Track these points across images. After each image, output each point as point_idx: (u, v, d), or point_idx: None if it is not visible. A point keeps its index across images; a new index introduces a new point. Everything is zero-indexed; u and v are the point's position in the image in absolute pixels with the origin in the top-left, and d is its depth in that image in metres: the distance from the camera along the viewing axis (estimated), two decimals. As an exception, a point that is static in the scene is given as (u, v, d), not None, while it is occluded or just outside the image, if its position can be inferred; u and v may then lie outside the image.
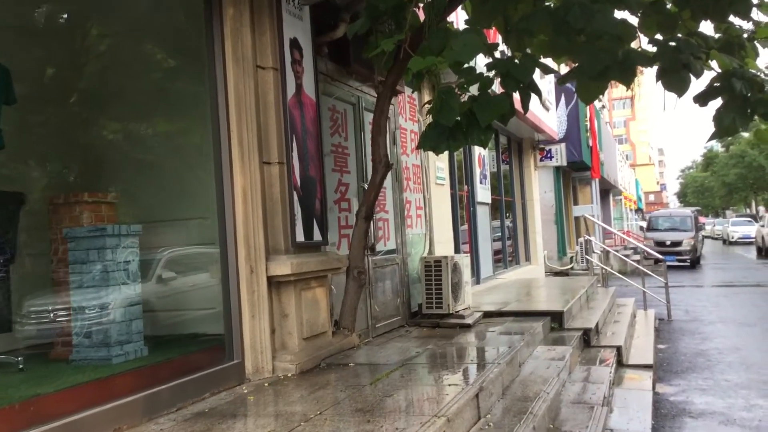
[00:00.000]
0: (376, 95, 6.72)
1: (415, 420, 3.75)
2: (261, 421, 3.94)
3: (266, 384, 4.97)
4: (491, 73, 5.23)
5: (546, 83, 16.96)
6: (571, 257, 21.10)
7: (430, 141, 5.31)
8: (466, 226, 12.37)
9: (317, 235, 5.89)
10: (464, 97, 5.29)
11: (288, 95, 5.59)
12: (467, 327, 7.93)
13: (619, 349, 8.07)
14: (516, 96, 5.31)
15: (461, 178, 12.20)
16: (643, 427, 5.75)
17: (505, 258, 14.97)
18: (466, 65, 5.10)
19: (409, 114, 9.05)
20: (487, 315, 8.62)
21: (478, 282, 12.23)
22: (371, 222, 6.44)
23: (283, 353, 5.37)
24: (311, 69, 6.02)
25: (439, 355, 5.89)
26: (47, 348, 4.90)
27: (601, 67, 4.73)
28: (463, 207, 12.22)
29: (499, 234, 14.98)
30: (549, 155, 18.35)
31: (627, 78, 4.85)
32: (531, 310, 8.58)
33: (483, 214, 13.20)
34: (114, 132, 5.70)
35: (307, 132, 5.84)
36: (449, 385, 4.54)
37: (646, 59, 4.97)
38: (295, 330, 5.46)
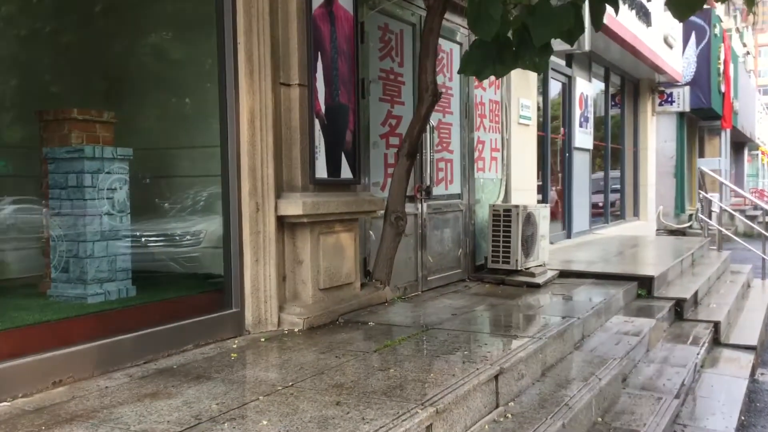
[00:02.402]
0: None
1: (393, 408, 2.95)
2: (218, 389, 3.27)
3: (263, 339, 4.31)
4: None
5: (670, 17, 15.08)
6: (690, 215, 19.22)
7: (473, 64, 4.34)
8: (559, 174, 11.20)
9: (346, 172, 5.10)
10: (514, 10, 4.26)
11: (314, 5, 4.75)
12: (535, 287, 6.97)
13: (717, 324, 6.85)
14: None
15: (558, 119, 10.98)
16: (726, 425, 4.68)
17: (606, 212, 13.62)
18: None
19: (490, 42, 7.95)
20: (564, 275, 7.60)
21: (569, 236, 11.10)
22: (415, 161, 5.56)
23: (293, 304, 4.69)
24: (350, -24, 5.13)
25: (481, 320, 5.02)
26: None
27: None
28: (556, 152, 11.03)
29: (602, 185, 13.62)
30: (670, 99, 16.52)
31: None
32: (616, 273, 7.47)
33: (581, 162, 11.92)
34: (112, 42, 5.03)
35: (339, 51, 5.00)
36: (464, 362, 3.69)
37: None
38: (309, 279, 4.76)
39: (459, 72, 4.71)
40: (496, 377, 3.58)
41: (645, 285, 7.25)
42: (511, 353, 3.89)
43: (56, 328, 3.60)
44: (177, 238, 5.06)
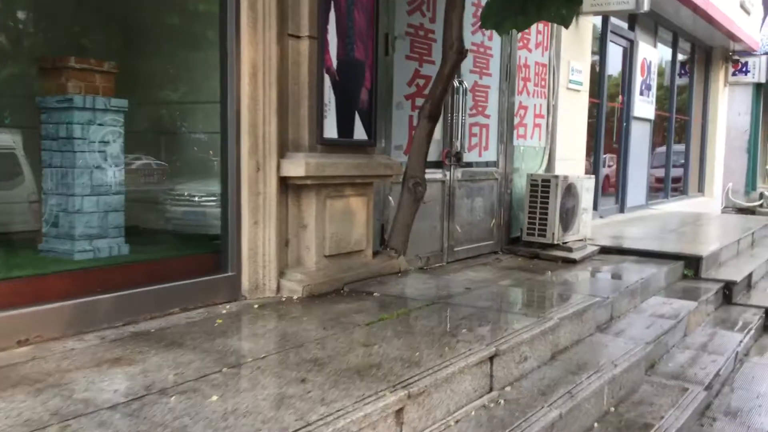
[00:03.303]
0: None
1: (360, 390, 2.68)
2: (185, 357, 3.07)
3: (256, 306, 4.09)
4: None
5: (748, -20, 14.04)
6: (761, 193, 18.12)
7: (492, 16, 3.95)
8: (615, 145, 10.60)
9: (360, 133, 4.79)
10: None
11: (327, -49, 4.42)
12: (571, 262, 6.56)
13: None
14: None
15: (617, 86, 10.36)
16: (762, 421, 4.25)
17: (667, 186, 12.92)
18: None
19: None
20: (605, 251, 7.14)
21: (621, 211, 10.54)
22: (436, 123, 5.19)
23: (294, 271, 4.45)
24: None
25: (496, 296, 4.68)
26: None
27: None
28: (612, 121, 10.42)
29: (665, 158, 12.90)
30: (744, 69, 15.49)
31: None
32: (661, 251, 6.96)
33: (641, 133, 11.27)
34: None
35: (355, 2, 4.66)
36: (459, 341, 3.38)
37: None
38: (313, 244, 4.51)
39: (482, 26, 4.30)
40: (491, 359, 3.26)
41: (692, 265, 6.74)
42: (514, 333, 3.55)
43: (30, 285, 3.46)
44: (177, 196, 4.88)
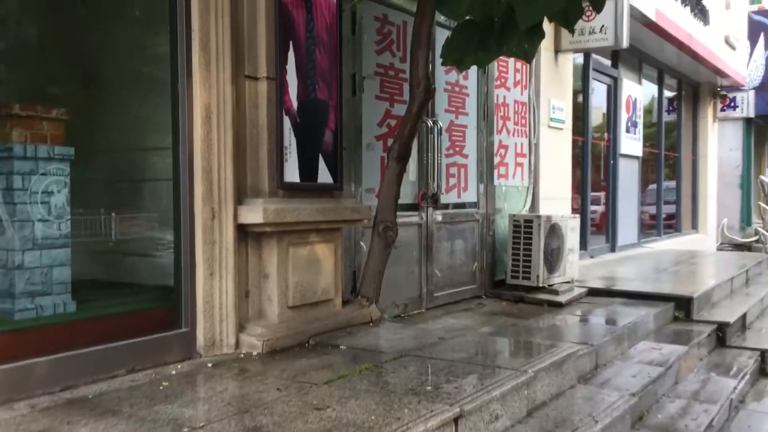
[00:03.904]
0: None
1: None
2: (117, 428, 2.78)
3: (210, 365, 3.81)
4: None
5: (734, 17, 14.05)
6: (756, 229, 17.91)
7: (454, 51, 3.75)
8: (603, 183, 10.41)
9: (325, 177, 4.57)
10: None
11: (284, -11, 4.26)
12: (557, 306, 6.31)
13: (764, 353, 6.02)
14: None
15: (603, 123, 10.22)
16: (761, 478, 3.94)
17: (659, 224, 12.70)
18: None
19: (515, 38, 7.30)
20: (593, 293, 6.89)
21: (612, 250, 10.30)
22: (407, 164, 4.97)
23: (255, 324, 4.18)
24: (333, -41, 4.62)
25: (471, 346, 4.40)
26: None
27: None
28: (599, 159, 10.25)
29: (655, 195, 12.71)
30: (733, 104, 15.44)
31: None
32: (651, 292, 6.71)
33: (629, 170, 11.09)
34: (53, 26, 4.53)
35: (317, 41, 4.48)
36: (421, 400, 3.09)
37: None
38: (275, 295, 4.24)
39: (443, 63, 4.10)
40: (455, 420, 2.98)
41: (683, 306, 6.48)
42: (484, 390, 3.27)
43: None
44: (129, 247, 4.62)
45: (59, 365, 3.35)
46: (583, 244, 9.37)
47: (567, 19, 3.73)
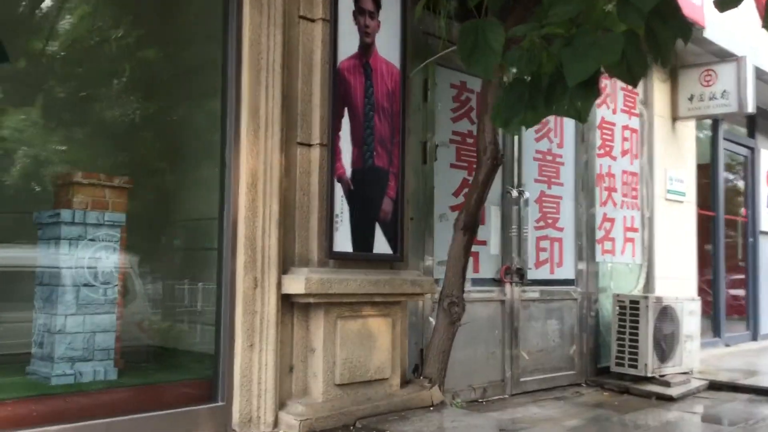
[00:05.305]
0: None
1: None
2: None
3: (238, 442, 3.60)
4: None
5: None
6: None
7: (503, 112, 3.45)
8: (740, 263, 9.38)
9: (382, 247, 4.34)
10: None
11: (340, 56, 4.19)
12: (667, 399, 5.59)
13: None
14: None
15: (735, 197, 9.29)
16: None
17: (818, 310, 11.18)
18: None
19: (623, 103, 6.87)
20: (715, 386, 6.07)
21: (754, 338, 9.16)
22: (475, 236, 4.64)
23: (297, 402, 3.94)
24: (397, 25, 4.52)
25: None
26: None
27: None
28: (735, 236, 9.27)
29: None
30: None
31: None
32: (784, 388, 5.77)
33: (774, 249, 9.93)
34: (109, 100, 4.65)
35: (376, 108, 4.35)
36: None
37: None
38: (321, 371, 4.00)
39: (495, 125, 3.80)
40: None
41: (825, 407, 5.49)
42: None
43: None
44: (175, 316, 4.58)
45: (79, 433, 3.28)
46: (716, 331, 8.41)
47: (631, 74, 3.34)
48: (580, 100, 3.28)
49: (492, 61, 3.11)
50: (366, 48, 4.34)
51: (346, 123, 4.19)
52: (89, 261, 3.86)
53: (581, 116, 3.31)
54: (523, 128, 5.32)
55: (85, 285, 3.84)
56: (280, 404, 3.90)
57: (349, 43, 4.25)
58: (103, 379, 3.82)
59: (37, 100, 4.46)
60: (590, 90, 3.27)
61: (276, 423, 3.86)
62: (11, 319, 4.01)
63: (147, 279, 4.46)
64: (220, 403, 3.81)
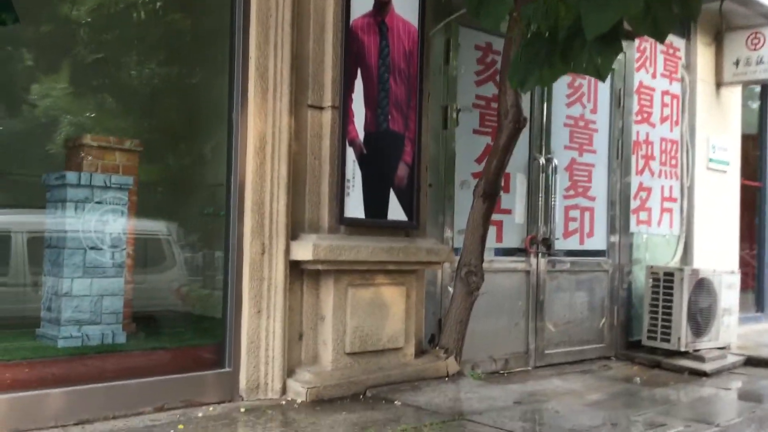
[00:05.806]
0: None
1: None
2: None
3: (243, 410, 3.53)
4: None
5: None
6: None
7: (519, 71, 3.24)
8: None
9: (397, 214, 4.20)
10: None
11: (353, 14, 4.02)
12: (700, 375, 5.37)
13: None
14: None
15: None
16: None
17: None
18: None
19: (663, 67, 6.54)
20: (753, 362, 5.81)
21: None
22: (495, 203, 4.46)
23: (306, 369, 3.86)
24: (416, -17, 4.32)
25: (550, 416, 3.74)
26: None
27: None
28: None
29: None
30: None
31: None
32: (827, 366, 5.49)
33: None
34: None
35: (392, 69, 4.18)
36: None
37: None
38: (330, 339, 3.91)
39: (512, 86, 3.59)
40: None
41: None
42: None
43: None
44: (185, 280, 4.51)
45: (77, 398, 3.27)
46: (759, 305, 8.06)
47: (657, 28, 3.09)
48: (599, 55, 3.06)
49: (503, 12, 2.92)
50: (381, 5, 4.16)
51: (359, 85, 4.04)
52: (96, 224, 3.82)
53: (601, 74, 3.09)
54: (554, 92, 5.16)
55: (92, 248, 3.80)
56: (289, 371, 3.84)
57: (363, 1, 4.08)
58: (111, 342, 3.80)
59: (53, 62, 4.39)
60: (611, 45, 3.04)
61: (284, 390, 3.79)
62: (31, 282, 4.00)
63: (161, 245, 4.41)
64: (227, 369, 3.75)
